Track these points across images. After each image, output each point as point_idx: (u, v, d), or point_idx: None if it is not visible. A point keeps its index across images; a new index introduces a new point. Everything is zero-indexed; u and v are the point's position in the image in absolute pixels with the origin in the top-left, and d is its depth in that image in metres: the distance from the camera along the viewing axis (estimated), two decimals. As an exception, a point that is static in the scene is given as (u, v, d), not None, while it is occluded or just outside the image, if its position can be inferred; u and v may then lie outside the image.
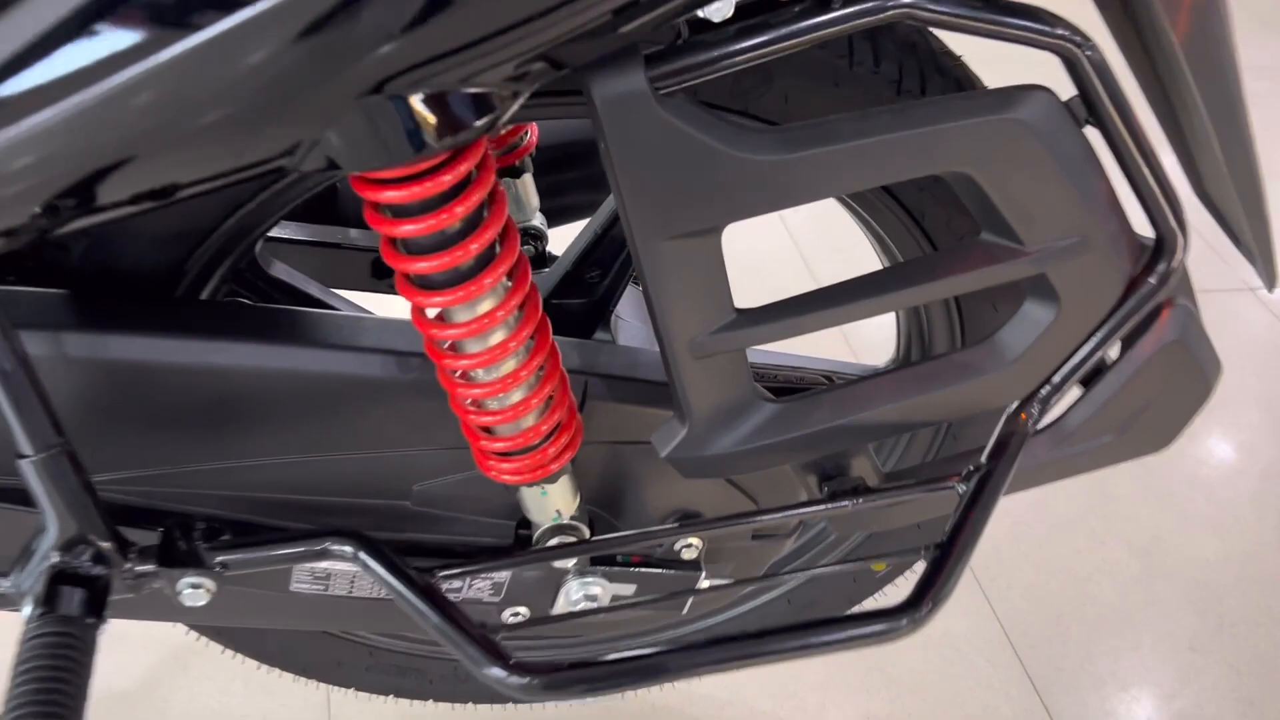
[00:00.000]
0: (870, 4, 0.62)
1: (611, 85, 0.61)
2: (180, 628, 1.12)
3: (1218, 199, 0.88)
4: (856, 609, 1.19)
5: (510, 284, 0.70)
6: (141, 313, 0.78)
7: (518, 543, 0.90)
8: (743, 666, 0.72)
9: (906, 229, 0.89)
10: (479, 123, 0.58)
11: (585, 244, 0.93)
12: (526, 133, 1.02)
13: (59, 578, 0.72)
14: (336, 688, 1.22)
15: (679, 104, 0.63)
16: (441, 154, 0.60)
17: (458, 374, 0.73)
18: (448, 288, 0.66)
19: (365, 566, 0.75)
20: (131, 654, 1.36)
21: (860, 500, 0.80)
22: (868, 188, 0.69)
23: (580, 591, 0.91)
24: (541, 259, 1.10)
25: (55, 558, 0.72)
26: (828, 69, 0.77)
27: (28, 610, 0.72)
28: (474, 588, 0.89)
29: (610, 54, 0.61)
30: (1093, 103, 0.69)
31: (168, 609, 0.83)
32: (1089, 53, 0.67)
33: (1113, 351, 0.84)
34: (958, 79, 0.82)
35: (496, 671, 0.72)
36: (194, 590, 0.75)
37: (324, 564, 0.86)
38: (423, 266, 0.65)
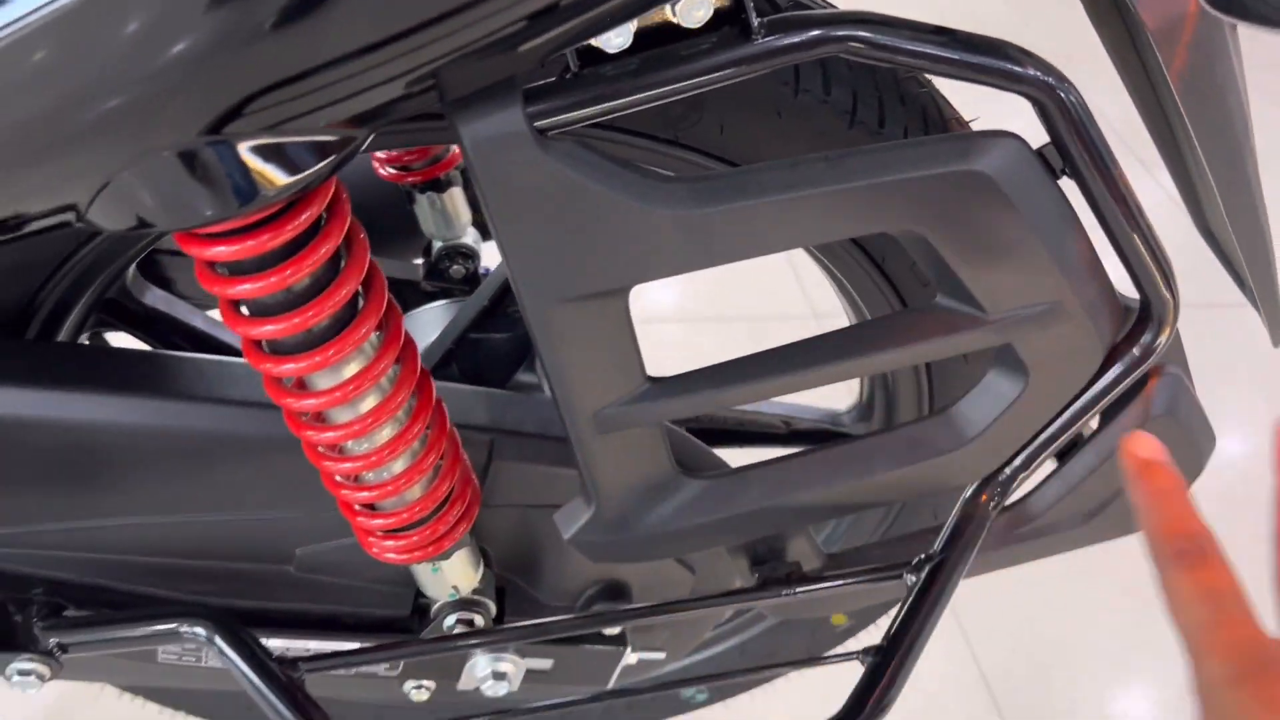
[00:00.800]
0: (800, 36, 0.52)
1: (483, 125, 0.50)
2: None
3: (1221, 238, 0.77)
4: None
5: (379, 341, 0.60)
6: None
7: (416, 613, 0.80)
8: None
9: (869, 275, 0.79)
10: (319, 165, 0.48)
11: (501, 283, 0.83)
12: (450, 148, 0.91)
13: None
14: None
15: (567, 147, 0.52)
16: (277, 203, 0.50)
17: (324, 447, 0.64)
18: (301, 352, 0.56)
19: (220, 654, 0.66)
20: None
21: (795, 590, 0.70)
22: (797, 247, 0.59)
23: (488, 668, 0.81)
24: (474, 279, 1.00)
25: None
26: (768, 96, 0.67)
27: None
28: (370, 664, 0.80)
29: (480, 89, 0.50)
30: (1068, 152, 0.58)
31: None
32: (1065, 94, 0.56)
33: (1092, 423, 0.74)
34: (924, 109, 0.71)
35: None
36: (23, 678, 0.65)
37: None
38: (269, 330, 0.55)
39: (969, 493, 0.71)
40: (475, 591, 0.76)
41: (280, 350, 0.57)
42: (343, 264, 0.56)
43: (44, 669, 0.66)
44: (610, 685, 0.88)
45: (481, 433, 0.73)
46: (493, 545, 0.77)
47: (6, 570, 0.69)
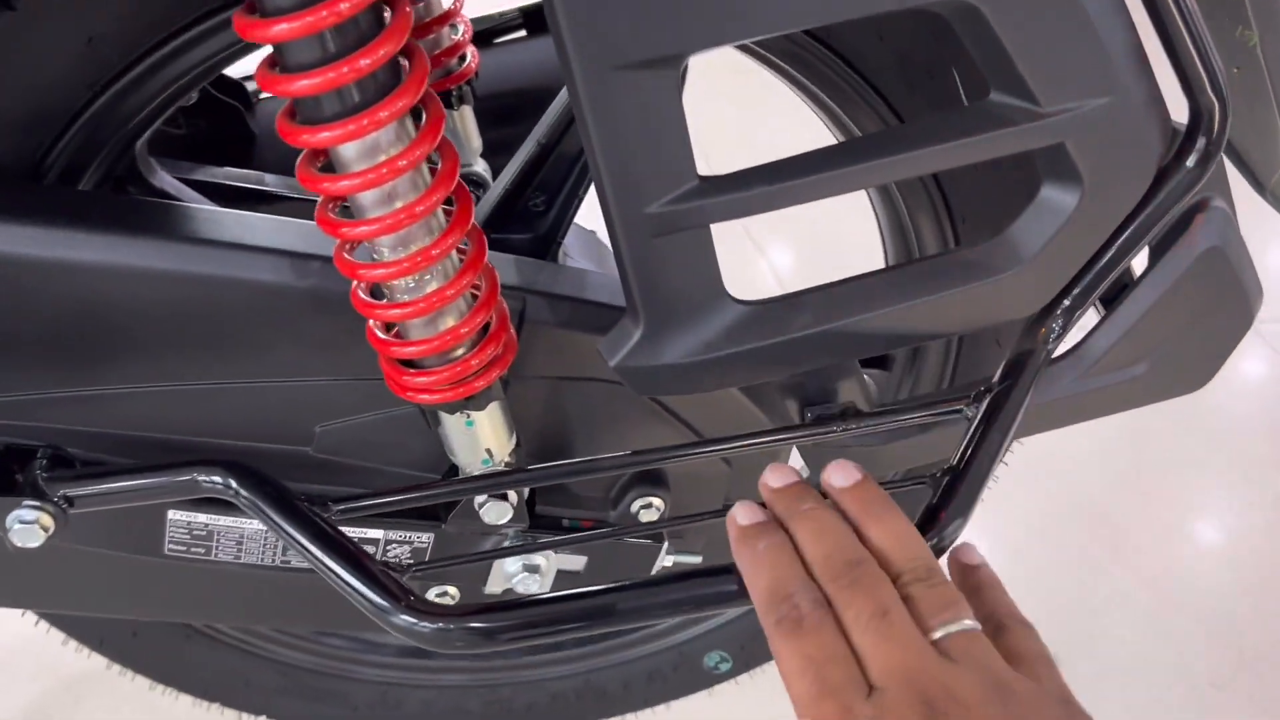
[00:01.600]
0: None
1: None
2: (70, 654, 0.96)
3: (1237, 128, 0.77)
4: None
5: (416, 131, 0.57)
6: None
7: (443, 506, 0.75)
8: (699, 612, 0.57)
9: None
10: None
11: (525, 163, 0.80)
12: (466, 54, 0.90)
13: None
14: (246, 715, 1.06)
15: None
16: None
17: (356, 251, 0.60)
18: (339, 119, 0.53)
19: (242, 499, 0.61)
20: (18, 685, 1.19)
21: (850, 426, 0.66)
22: (863, 14, 0.57)
23: (518, 563, 0.76)
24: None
25: None
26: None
27: None
28: (389, 554, 0.75)
29: None
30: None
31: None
32: None
33: (1139, 267, 0.72)
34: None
35: (404, 619, 0.57)
36: (25, 527, 0.60)
37: (203, 518, 0.71)
38: (304, 84, 0.52)
39: (1026, 327, 0.68)
40: (507, 464, 0.71)
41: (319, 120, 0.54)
42: (404, 76, 0.54)
43: (48, 519, 0.61)
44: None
45: (514, 292, 0.70)
46: (520, 426, 0.73)
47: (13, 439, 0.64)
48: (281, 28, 0.50)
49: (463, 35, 0.89)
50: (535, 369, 0.72)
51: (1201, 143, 0.64)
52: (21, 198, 0.65)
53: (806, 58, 0.75)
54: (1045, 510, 1.61)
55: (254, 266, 0.66)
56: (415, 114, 0.57)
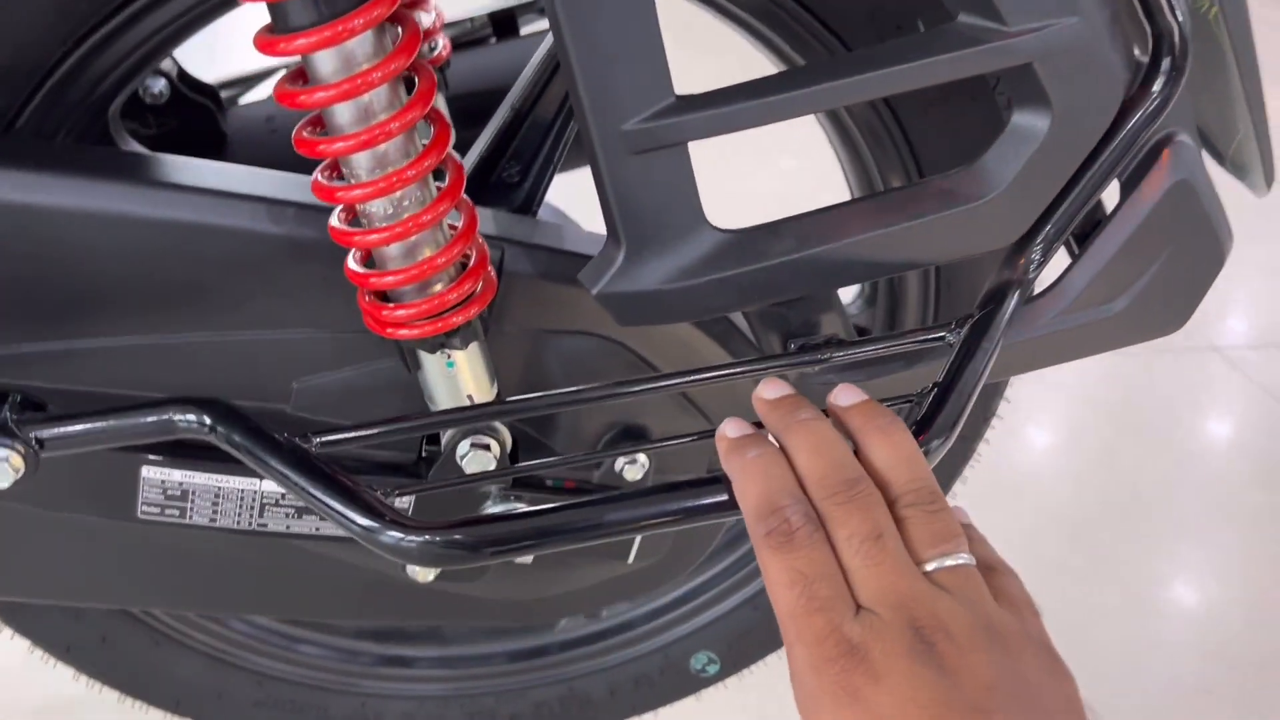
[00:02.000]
0: None
1: None
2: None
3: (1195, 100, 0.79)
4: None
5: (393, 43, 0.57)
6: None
7: (423, 460, 0.74)
8: (707, 521, 0.56)
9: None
10: None
11: (498, 131, 0.80)
12: (437, 41, 0.91)
13: None
14: (220, 730, 1.02)
15: None
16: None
17: (333, 175, 0.60)
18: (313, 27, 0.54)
19: (220, 436, 0.59)
20: None
21: (835, 354, 0.66)
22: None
23: (505, 509, 0.74)
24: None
25: None
26: None
27: None
28: (370, 517, 0.73)
29: None
30: None
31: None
32: None
33: (1110, 204, 0.73)
34: None
35: (390, 534, 0.55)
36: (-3, 464, 0.58)
37: (178, 475, 0.70)
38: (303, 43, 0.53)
39: (1005, 257, 0.68)
40: (488, 417, 0.70)
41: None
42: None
43: (18, 459, 0.59)
44: (630, 560, 0.81)
45: (492, 241, 0.70)
46: (504, 380, 0.72)
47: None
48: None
49: (435, 22, 0.91)
50: (514, 321, 0.72)
51: (1166, 64, 0.66)
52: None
53: (777, 13, 0.76)
54: (1024, 526, 1.61)
55: (230, 212, 0.66)
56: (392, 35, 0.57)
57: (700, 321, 0.75)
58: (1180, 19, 0.65)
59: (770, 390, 0.57)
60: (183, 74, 0.99)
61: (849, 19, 0.76)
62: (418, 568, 0.77)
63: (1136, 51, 0.67)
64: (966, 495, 1.02)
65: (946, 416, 0.60)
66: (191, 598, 0.81)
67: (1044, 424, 1.87)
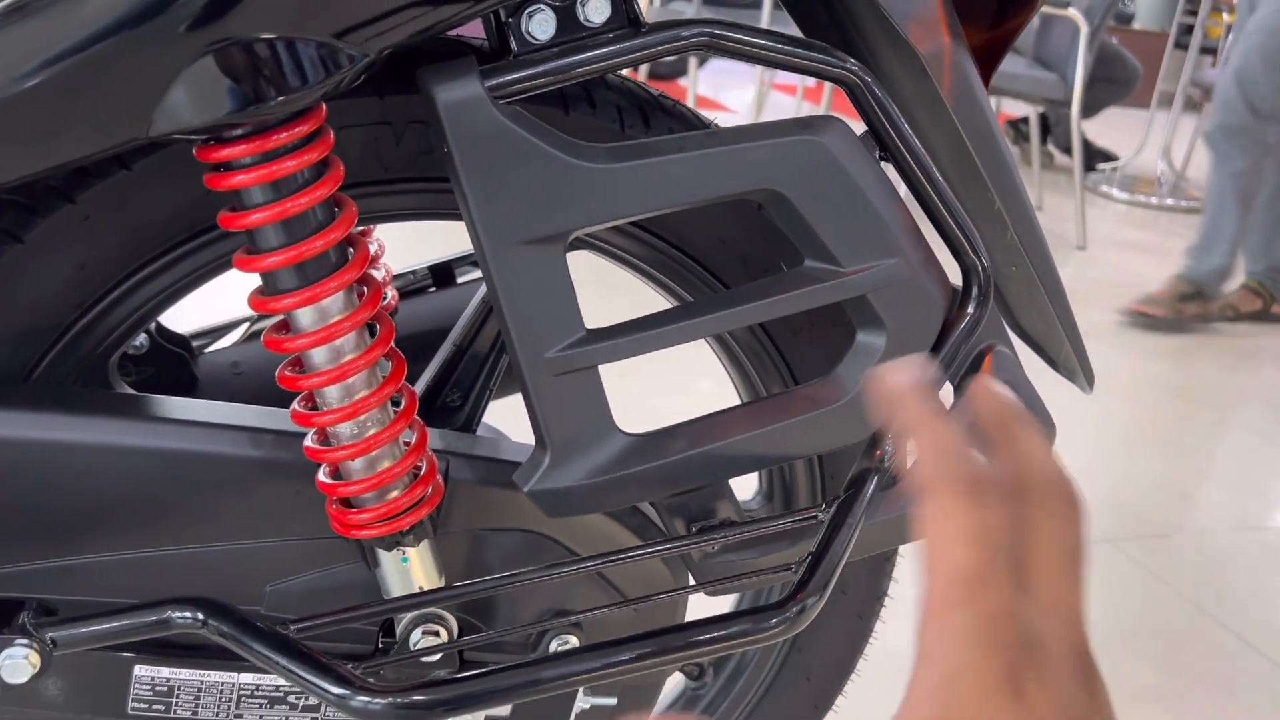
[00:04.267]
0: (675, 31, 0.72)
1: (451, 89, 0.68)
2: None
3: (1026, 319, 0.97)
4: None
5: (359, 297, 0.72)
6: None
7: (378, 651, 0.84)
8: (625, 673, 0.68)
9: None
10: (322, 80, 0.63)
11: (441, 364, 0.95)
12: (387, 293, 1.07)
13: None
14: None
15: (514, 111, 0.70)
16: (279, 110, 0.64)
17: (308, 404, 0.74)
18: (280, 249, 0.69)
19: (212, 629, 0.70)
20: None
21: (729, 533, 0.79)
22: (693, 202, 0.75)
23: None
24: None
25: None
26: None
27: None
28: (333, 703, 0.83)
29: (448, 64, 0.68)
30: (882, 138, 0.78)
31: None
32: (873, 86, 0.77)
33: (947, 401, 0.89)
34: (684, 116, 0.91)
35: (359, 700, 0.66)
36: (14, 663, 0.68)
37: (165, 672, 0.79)
38: (257, 218, 0.68)
39: (864, 450, 0.83)
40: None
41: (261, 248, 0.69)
42: (337, 212, 0.70)
43: (35, 657, 0.69)
44: (567, 729, 0.91)
45: (440, 454, 0.83)
46: (451, 575, 0.84)
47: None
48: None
49: (385, 277, 1.07)
50: (458, 521, 0.84)
51: (975, 290, 0.83)
52: (15, 393, 0.78)
53: (666, 261, 0.93)
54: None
55: (214, 440, 0.79)
56: (359, 291, 0.73)
57: (615, 514, 0.88)
58: (981, 257, 0.83)
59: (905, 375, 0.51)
60: (160, 327, 1.13)
61: (725, 264, 0.93)
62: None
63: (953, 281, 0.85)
64: (869, 670, 1.13)
65: (819, 579, 0.73)
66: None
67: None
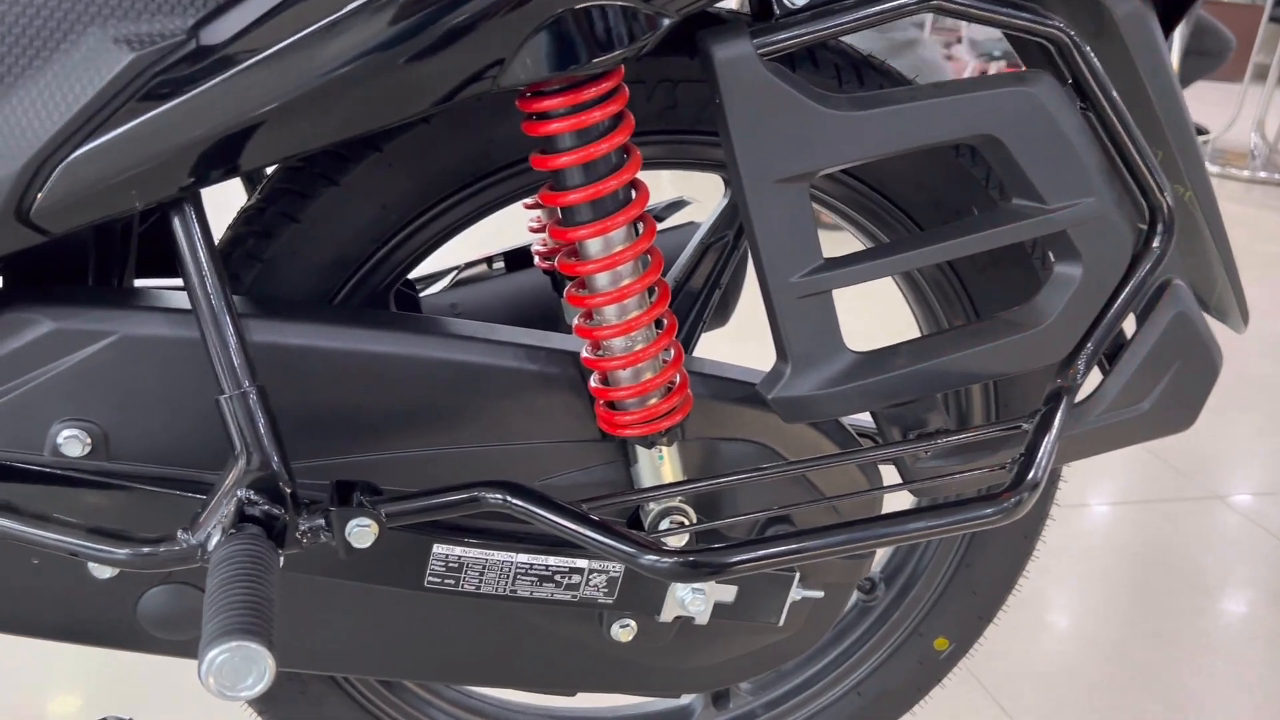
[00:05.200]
0: (905, -1, 0.83)
1: (726, 49, 0.80)
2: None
3: (1189, 260, 1.07)
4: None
5: (638, 231, 0.85)
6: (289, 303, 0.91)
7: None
8: (875, 545, 0.80)
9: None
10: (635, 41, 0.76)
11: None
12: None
13: (243, 512, 0.80)
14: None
15: (776, 67, 0.81)
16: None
17: (586, 318, 0.87)
18: (581, 186, 0.81)
19: (516, 508, 0.83)
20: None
21: (939, 440, 0.91)
22: (921, 146, 0.86)
23: (689, 589, 0.97)
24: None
25: (241, 494, 0.80)
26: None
27: (214, 539, 0.79)
28: (590, 585, 0.96)
29: (723, 27, 0.80)
30: (1084, 90, 0.88)
31: (327, 563, 0.89)
32: (1078, 43, 0.87)
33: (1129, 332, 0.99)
34: (890, 74, 1.02)
35: (649, 559, 0.79)
36: (361, 530, 0.82)
37: (458, 550, 0.93)
38: (565, 161, 0.80)
39: (1058, 370, 0.94)
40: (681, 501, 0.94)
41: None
42: (626, 158, 0.83)
43: (375, 526, 0.82)
44: (781, 621, 1.03)
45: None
46: (688, 474, 0.96)
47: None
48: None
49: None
50: (694, 431, 0.97)
51: (1160, 228, 0.93)
52: (328, 312, 0.92)
53: (867, 203, 1.04)
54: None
55: (499, 354, 0.92)
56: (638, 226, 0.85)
57: (822, 427, 1.00)
58: (1167, 197, 0.93)
59: None
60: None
61: (919, 207, 1.04)
62: (617, 629, 0.99)
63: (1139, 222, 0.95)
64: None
65: (1033, 476, 0.84)
66: (437, 667, 1.02)
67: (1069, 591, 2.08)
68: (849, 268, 0.86)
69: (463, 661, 1.02)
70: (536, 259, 1.24)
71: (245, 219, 0.95)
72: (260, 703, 1.12)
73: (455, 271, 1.36)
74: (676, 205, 1.39)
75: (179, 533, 0.81)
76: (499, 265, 1.37)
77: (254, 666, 0.67)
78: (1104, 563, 2.10)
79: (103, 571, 0.88)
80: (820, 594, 1.04)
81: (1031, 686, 1.71)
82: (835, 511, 1.02)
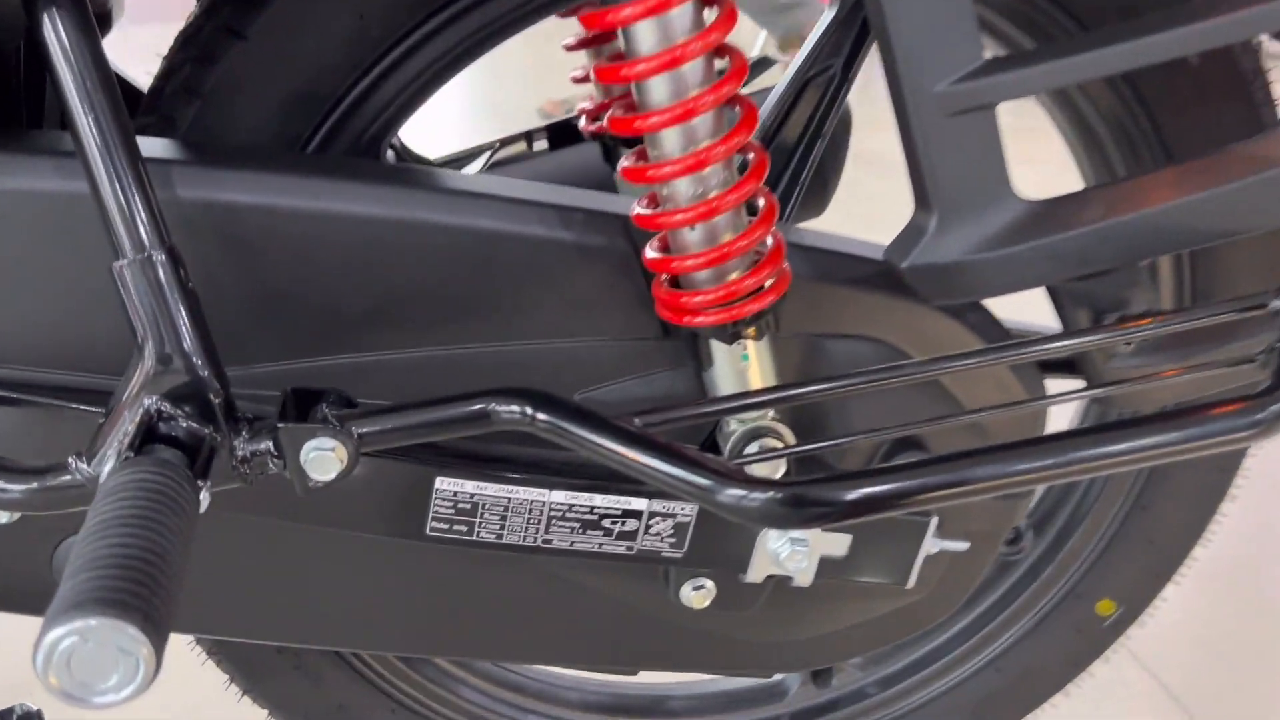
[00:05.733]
0: None
1: None
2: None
3: None
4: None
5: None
6: (261, 154, 0.67)
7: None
8: (1061, 478, 0.53)
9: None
10: None
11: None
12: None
13: (151, 429, 0.56)
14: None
15: None
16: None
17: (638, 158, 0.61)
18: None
19: (542, 424, 0.58)
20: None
21: (1166, 325, 0.63)
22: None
23: (784, 539, 0.72)
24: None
25: (148, 403, 0.56)
26: None
27: (108, 466, 0.55)
28: (651, 534, 0.71)
29: None
30: None
31: (278, 502, 0.66)
32: None
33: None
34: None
35: (733, 492, 0.53)
36: (322, 454, 0.58)
37: (469, 486, 0.68)
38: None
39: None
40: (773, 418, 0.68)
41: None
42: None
43: (343, 451, 0.58)
44: (910, 582, 0.77)
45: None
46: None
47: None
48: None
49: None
50: (789, 325, 0.70)
51: None
52: (297, 161, 0.67)
53: (1036, 17, 0.76)
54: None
55: (523, 218, 0.66)
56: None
57: (957, 313, 0.73)
58: None
59: None
60: (407, 150, 1.02)
61: (1090, 9, 0.76)
62: (689, 592, 0.74)
63: None
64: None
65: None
66: (454, 640, 0.78)
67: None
68: (1022, 70, 0.59)
69: (483, 633, 0.78)
70: (583, 120, 0.98)
71: (181, 42, 0.70)
72: (244, 679, 0.89)
73: (489, 153, 1.10)
74: (762, 64, 1.11)
75: (70, 459, 0.57)
76: (541, 144, 1.11)
77: (121, 659, 0.43)
78: None
79: (-1, 514, 0.65)
80: (964, 545, 0.77)
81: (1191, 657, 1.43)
82: (981, 432, 0.75)
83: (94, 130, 0.55)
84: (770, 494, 0.53)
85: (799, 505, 0.53)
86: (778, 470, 0.69)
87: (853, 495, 0.53)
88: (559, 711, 0.99)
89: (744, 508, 0.53)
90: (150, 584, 0.45)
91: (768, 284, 0.64)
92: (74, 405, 0.64)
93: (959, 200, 0.60)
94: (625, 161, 0.62)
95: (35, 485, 0.58)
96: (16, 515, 0.66)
